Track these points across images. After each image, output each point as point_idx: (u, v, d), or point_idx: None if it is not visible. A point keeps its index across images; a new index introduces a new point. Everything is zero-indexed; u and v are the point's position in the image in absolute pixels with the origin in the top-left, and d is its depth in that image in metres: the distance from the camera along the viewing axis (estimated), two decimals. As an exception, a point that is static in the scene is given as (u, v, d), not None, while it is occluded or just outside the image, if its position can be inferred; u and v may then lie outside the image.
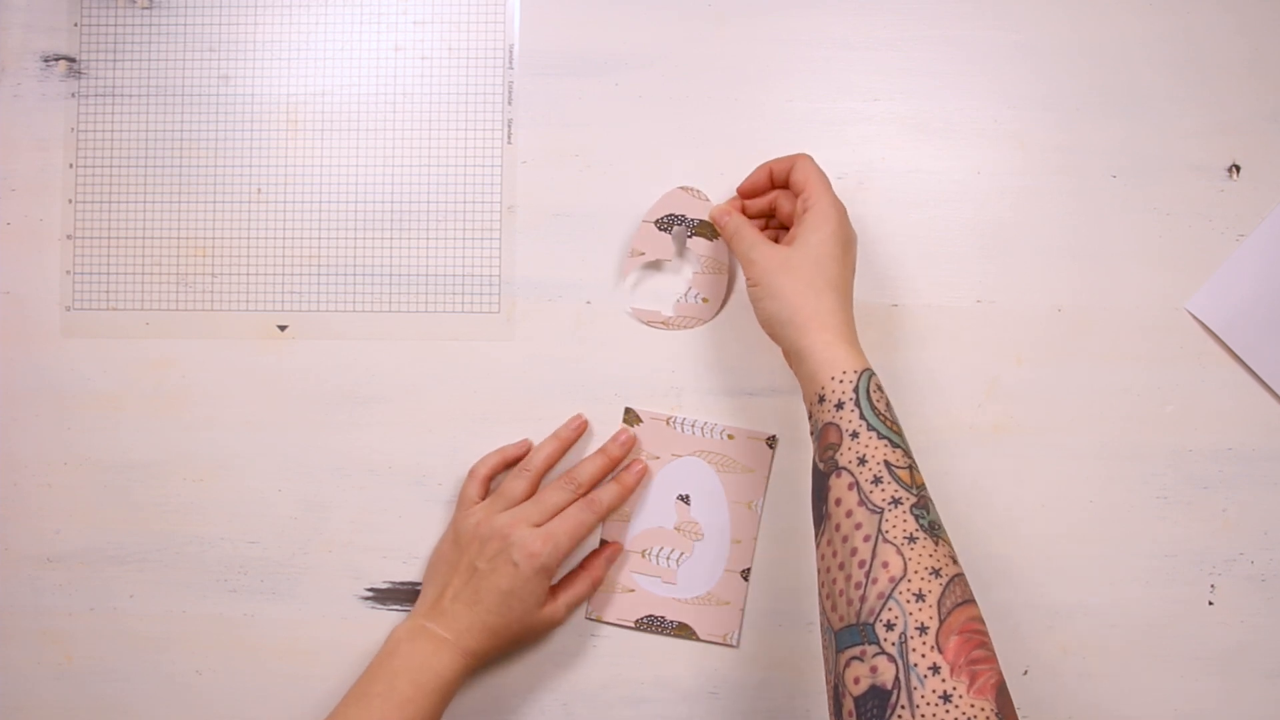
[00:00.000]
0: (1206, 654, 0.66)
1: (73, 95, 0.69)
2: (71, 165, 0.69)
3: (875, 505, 0.52)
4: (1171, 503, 0.67)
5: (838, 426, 0.54)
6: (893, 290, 0.67)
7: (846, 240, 0.60)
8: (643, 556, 0.66)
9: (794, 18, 0.68)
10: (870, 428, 0.54)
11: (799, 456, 0.67)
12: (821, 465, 0.55)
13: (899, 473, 0.53)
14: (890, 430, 0.54)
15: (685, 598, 0.66)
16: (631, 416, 0.67)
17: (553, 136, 0.68)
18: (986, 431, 0.67)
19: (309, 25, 0.69)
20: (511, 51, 0.69)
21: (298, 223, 0.69)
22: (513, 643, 0.63)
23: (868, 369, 0.56)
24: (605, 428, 0.67)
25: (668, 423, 0.67)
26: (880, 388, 0.56)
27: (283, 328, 0.68)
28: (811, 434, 0.57)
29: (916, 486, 0.53)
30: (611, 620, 0.66)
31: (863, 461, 0.53)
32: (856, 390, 0.55)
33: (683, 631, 0.66)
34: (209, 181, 0.69)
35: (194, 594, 0.68)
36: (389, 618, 0.67)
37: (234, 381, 0.68)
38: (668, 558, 0.66)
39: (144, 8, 0.69)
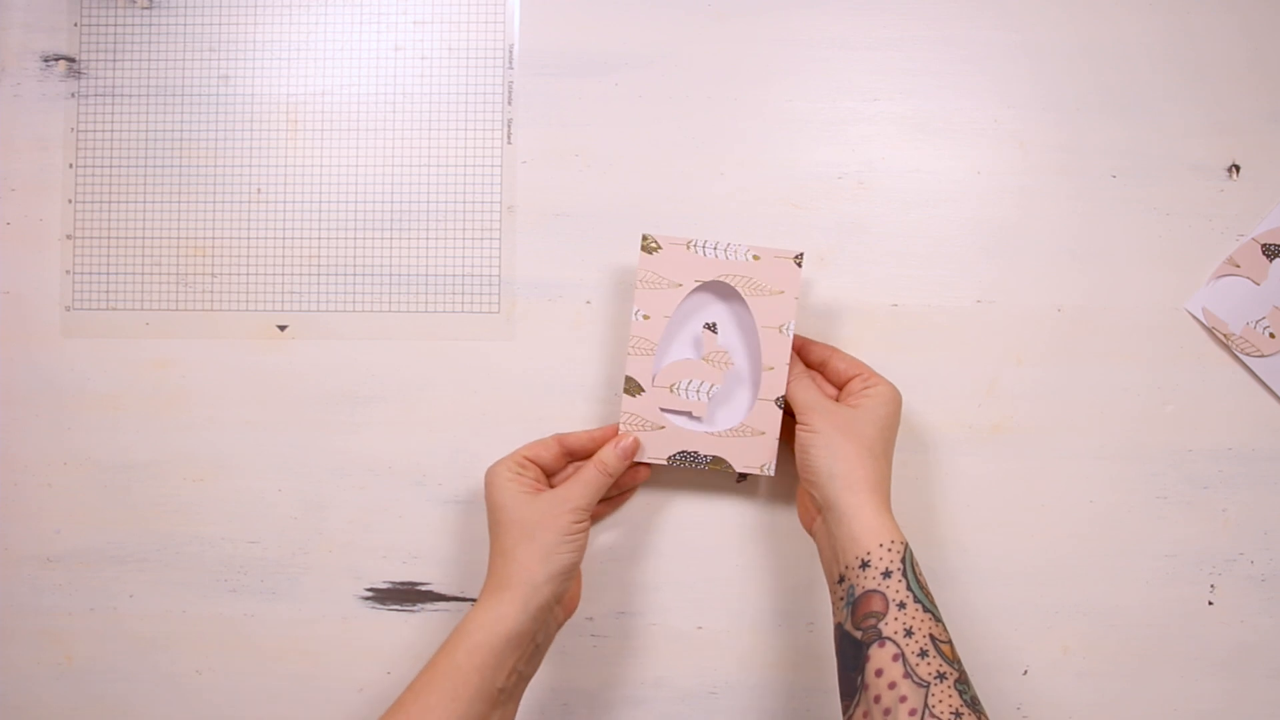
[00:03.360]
0: (1206, 654, 0.66)
1: (73, 95, 0.69)
2: (71, 165, 0.69)
3: (921, 679, 0.51)
4: (1171, 503, 0.67)
5: (883, 595, 0.54)
6: (893, 290, 0.67)
7: (898, 423, 0.61)
8: (671, 391, 0.63)
9: (794, 18, 0.68)
10: (916, 600, 0.54)
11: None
12: (859, 634, 0.54)
13: (943, 647, 0.53)
14: (932, 604, 0.54)
15: (718, 430, 0.63)
16: (650, 243, 0.62)
17: (553, 136, 0.68)
18: (986, 431, 0.67)
19: (309, 25, 0.69)
20: (511, 51, 0.69)
21: (297, 223, 0.69)
22: (526, 543, 0.58)
23: (907, 541, 0.56)
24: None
25: (688, 247, 0.62)
26: (917, 561, 0.56)
27: (282, 328, 0.68)
28: (841, 599, 0.56)
29: (957, 662, 0.53)
30: (644, 459, 0.63)
31: (909, 633, 0.52)
32: (904, 561, 0.55)
33: (718, 465, 0.63)
34: (209, 181, 0.69)
35: (194, 594, 0.68)
36: (389, 618, 0.67)
37: (234, 381, 0.68)
38: (697, 390, 0.63)
39: (144, 8, 0.69)
